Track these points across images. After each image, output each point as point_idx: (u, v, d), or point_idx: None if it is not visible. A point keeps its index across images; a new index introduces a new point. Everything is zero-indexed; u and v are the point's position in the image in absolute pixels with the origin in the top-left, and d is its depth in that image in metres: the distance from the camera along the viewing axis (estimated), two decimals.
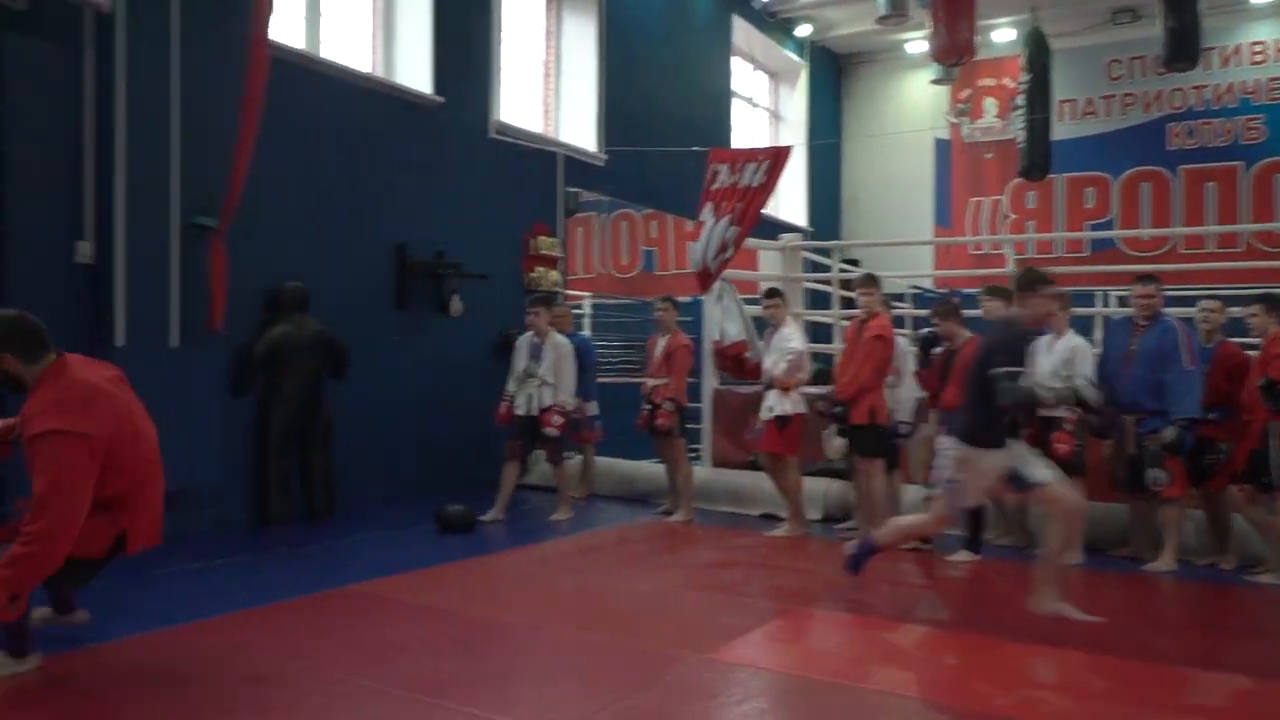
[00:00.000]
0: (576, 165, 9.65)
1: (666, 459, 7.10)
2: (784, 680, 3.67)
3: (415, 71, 8.01)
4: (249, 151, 6.01)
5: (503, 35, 8.84)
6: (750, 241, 7.95)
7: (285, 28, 7.01)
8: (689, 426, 7.24)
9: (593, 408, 7.73)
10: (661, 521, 6.99)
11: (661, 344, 6.98)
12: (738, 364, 7.87)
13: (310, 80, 6.97)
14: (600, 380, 8.12)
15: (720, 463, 7.72)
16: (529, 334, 6.90)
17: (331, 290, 7.03)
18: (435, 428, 7.91)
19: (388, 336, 7.62)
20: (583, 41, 10.08)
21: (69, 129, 5.60)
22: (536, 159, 9.14)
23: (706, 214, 7.66)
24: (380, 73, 7.95)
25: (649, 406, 6.95)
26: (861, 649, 4.16)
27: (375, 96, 7.56)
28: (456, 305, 7.98)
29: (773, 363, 6.39)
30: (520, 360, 6.84)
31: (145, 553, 3.67)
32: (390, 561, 5.46)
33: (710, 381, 7.87)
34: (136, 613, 4.32)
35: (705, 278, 7.71)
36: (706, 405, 7.82)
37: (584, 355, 7.42)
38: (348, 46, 7.80)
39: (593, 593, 5.02)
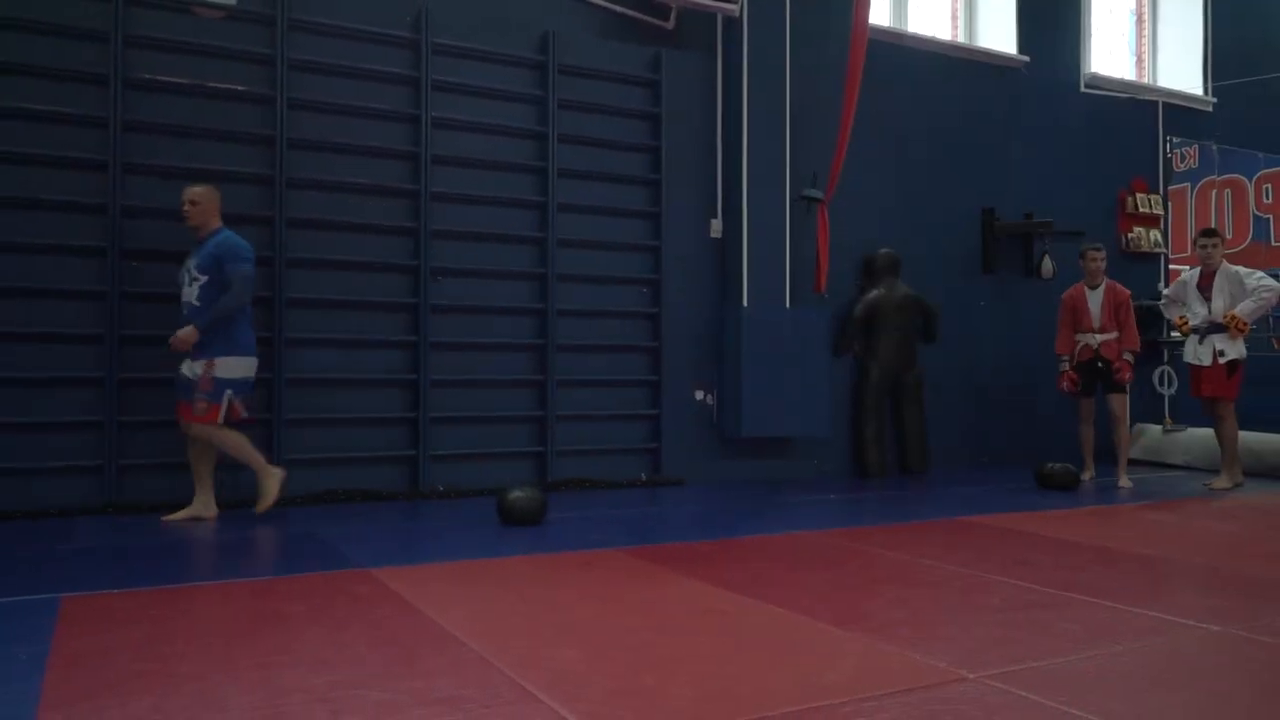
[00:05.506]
0: (1179, 113, 8.75)
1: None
2: None
3: (999, 34, 8.00)
4: (849, 128, 6.57)
5: None
6: None
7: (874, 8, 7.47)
8: None
9: None
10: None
11: (1098, 296, 6.52)
12: None
13: (897, 56, 7.35)
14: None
15: None
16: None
17: (920, 255, 7.31)
18: (1026, 391, 7.76)
19: (975, 300, 7.68)
20: None
21: (706, 125, 6.66)
22: (1133, 110, 8.49)
23: None
24: (963, 39, 8.08)
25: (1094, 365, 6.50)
26: None
27: (960, 63, 7.70)
28: (1048, 267, 7.75)
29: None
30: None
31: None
32: (992, 504, 5.53)
33: None
34: (772, 521, 5.07)
35: None
36: None
37: None
38: (932, 19, 8.07)
39: (1241, 539, 4.63)
